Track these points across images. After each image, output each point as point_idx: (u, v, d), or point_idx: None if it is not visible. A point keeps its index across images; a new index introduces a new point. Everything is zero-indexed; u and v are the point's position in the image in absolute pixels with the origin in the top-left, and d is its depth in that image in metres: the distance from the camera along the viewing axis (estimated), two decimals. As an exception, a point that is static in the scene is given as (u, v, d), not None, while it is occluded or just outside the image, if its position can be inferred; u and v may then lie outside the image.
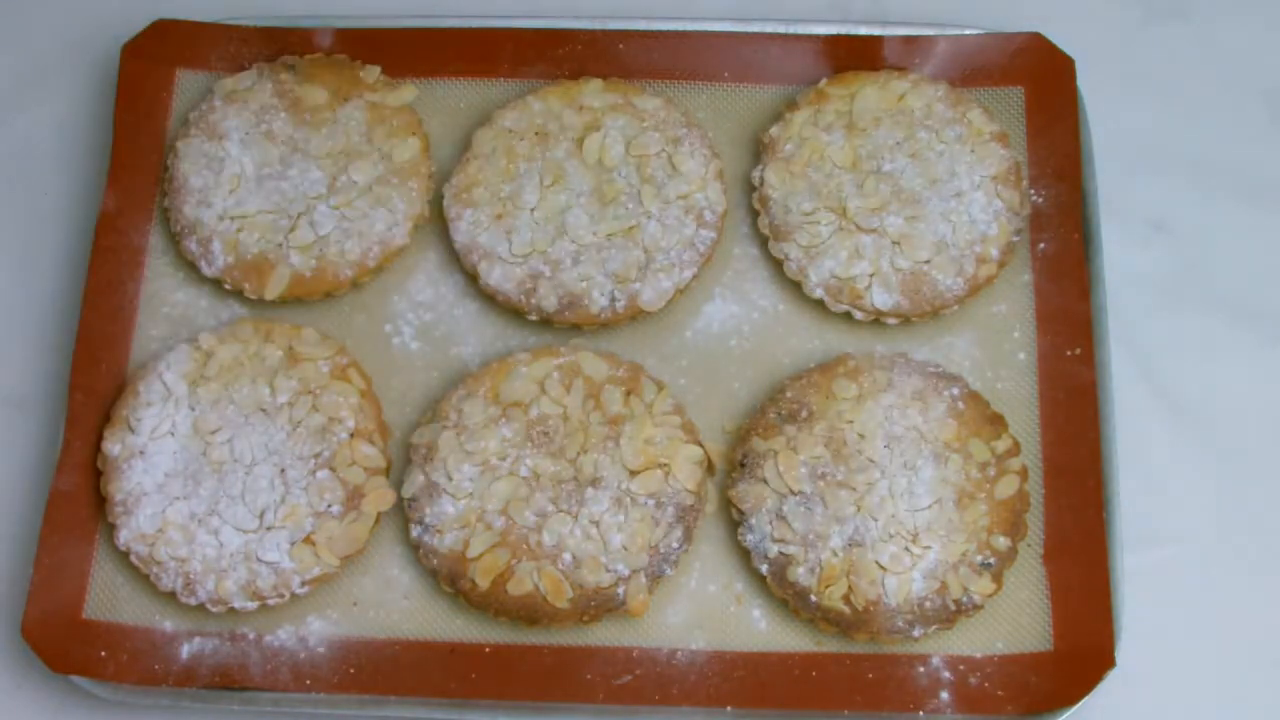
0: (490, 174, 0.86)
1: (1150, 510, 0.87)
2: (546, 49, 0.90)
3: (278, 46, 0.90)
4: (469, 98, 0.91)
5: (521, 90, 0.90)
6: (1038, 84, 0.90)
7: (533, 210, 0.86)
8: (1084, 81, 0.96)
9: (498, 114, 0.88)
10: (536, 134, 0.87)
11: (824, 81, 0.89)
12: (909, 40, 0.88)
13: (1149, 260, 0.93)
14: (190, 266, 0.88)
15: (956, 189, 0.86)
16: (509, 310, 0.86)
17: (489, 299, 0.86)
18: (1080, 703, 0.79)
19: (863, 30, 0.90)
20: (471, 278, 0.86)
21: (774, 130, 0.88)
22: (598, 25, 0.90)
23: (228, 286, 0.86)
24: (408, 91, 0.89)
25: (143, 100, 0.90)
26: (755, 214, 0.87)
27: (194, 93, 0.91)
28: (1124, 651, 0.82)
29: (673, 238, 0.85)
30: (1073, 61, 0.88)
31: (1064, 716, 0.79)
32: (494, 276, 0.85)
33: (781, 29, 0.90)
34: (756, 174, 0.87)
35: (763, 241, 0.87)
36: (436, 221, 0.88)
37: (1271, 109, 0.96)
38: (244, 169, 0.86)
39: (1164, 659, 0.84)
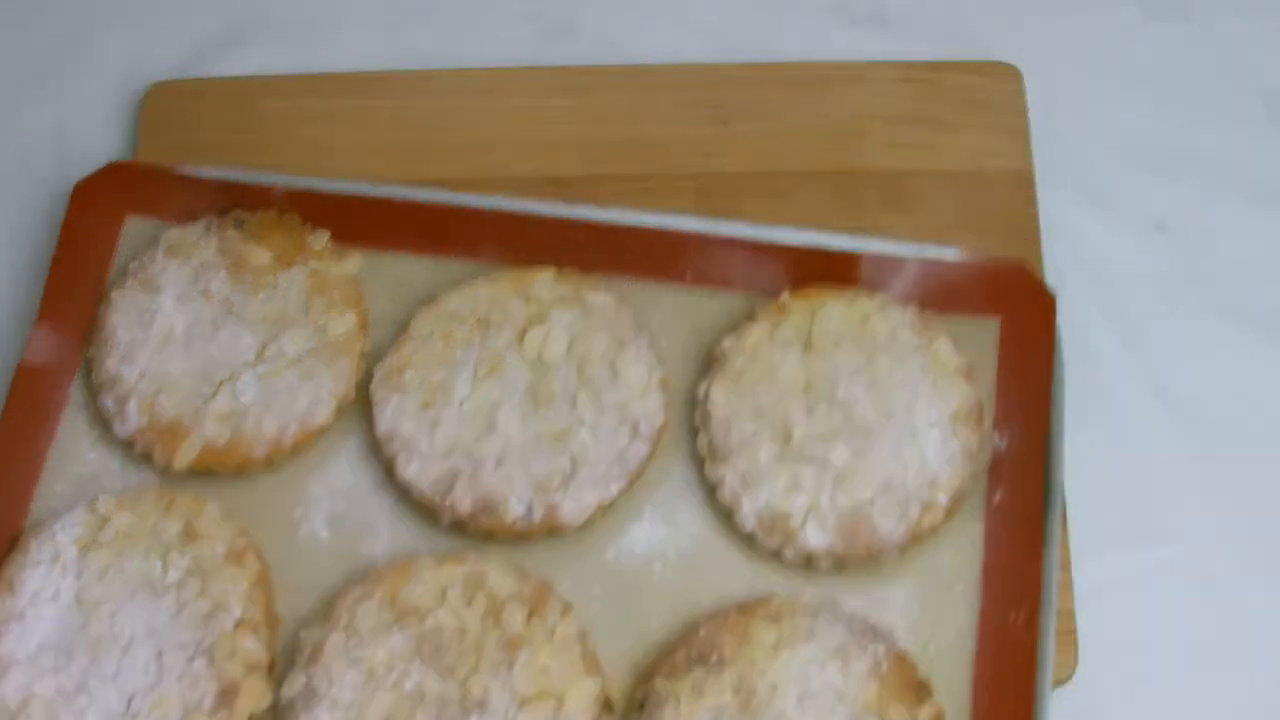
0: (425, 359, 0.82)
1: (1149, 511, 0.86)
2: (503, 232, 0.85)
3: (233, 199, 0.86)
4: (420, 274, 0.86)
5: (475, 272, 0.85)
6: (1016, 317, 0.83)
7: (463, 402, 0.81)
8: (1084, 81, 0.97)
9: (443, 295, 0.84)
10: (479, 321, 0.82)
11: (786, 294, 0.83)
12: (886, 260, 0.83)
13: (1149, 260, 0.93)
14: (105, 424, 0.83)
15: (912, 425, 0.79)
16: (424, 508, 0.81)
17: (405, 493, 0.81)
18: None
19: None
20: (389, 468, 0.81)
21: (727, 342, 0.82)
22: (559, 212, 0.84)
23: (138, 450, 0.82)
24: (353, 263, 0.85)
25: (87, 243, 0.86)
26: (697, 431, 0.81)
27: (141, 240, 0.87)
28: (1122, 651, 0.83)
29: (603, 448, 0.79)
30: (1054, 298, 0.81)
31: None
32: (411, 470, 0.80)
33: (751, 234, 0.83)
34: (703, 388, 0.81)
35: (701, 462, 0.81)
36: (364, 404, 0.83)
37: (1271, 109, 0.96)
38: (174, 327, 0.83)
39: (1164, 659, 0.84)
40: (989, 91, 0.94)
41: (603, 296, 0.84)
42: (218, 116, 0.95)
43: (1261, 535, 0.86)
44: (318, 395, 0.82)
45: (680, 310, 0.85)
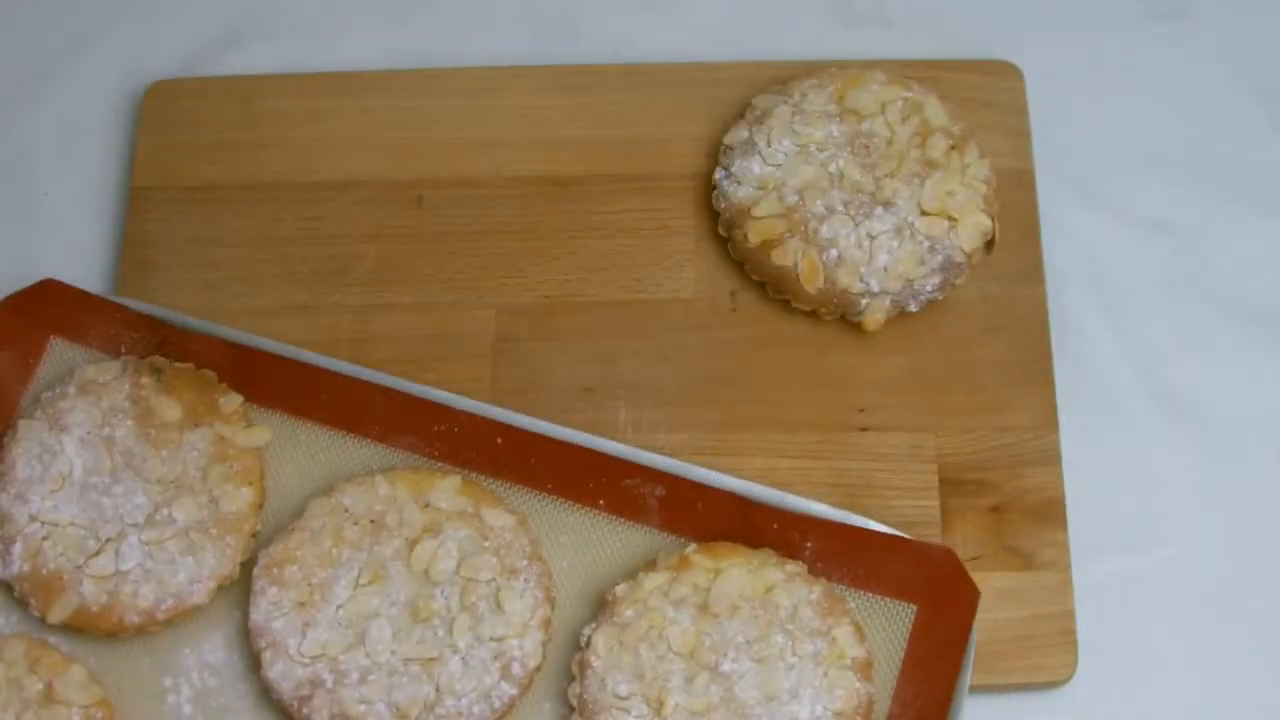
0: (310, 554, 0.79)
1: (1149, 511, 0.86)
2: (421, 420, 0.82)
3: (158, 339, 0.85)
4: (333, 450, 0.84)
5: (386, 459, 0.83)
6: (934, 608, 0.78)
7: (340, 607, 0.78)
8: (1084, 81, 0.97)
9: (341, 487, 0.81)
10: (372, 521, 0.80)
11: (693, 547, 0.79)
12: (807, 521, 0.78)
13: (1149, 260, 0.93)
14: None
15: (793, 714, 0.75)
16: (282, 710, 0.79)
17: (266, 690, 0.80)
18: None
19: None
20: (256, 662, 0.79)
21: (621, 589, 0.78)
22: (482, 411, 0.81)
23: (16, 595, 0.81)
24: (260, 434, 0.83)
25: (5, 361, 0.84)
26: (573, 677, 0.78)
27: (62, 366, 0.86)
28: (1121, 652, 0.83)
29: (470, 683, 0.77)
30: (978, 593, 0.77)
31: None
32: (275, 670, 0.77)
33: (672, 469, 0.80)
34: (586, 633, 0.78)
35: (571, 710, 0.77)
36: (247, 582, 0.80)
37: (1271, 109, 0.96)
38: (72, 471, 0.81)
39: (1164, 659, 0.84)
40: (989, 91, 0.94)
41: (503, 518, 0.80)
42: (218, 116, 0.95)
43: (1261, 535, 0.86)
44: (198, 573, 0.80)
45: (587, 537, 0.82)
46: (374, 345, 0.89)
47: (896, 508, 0.84)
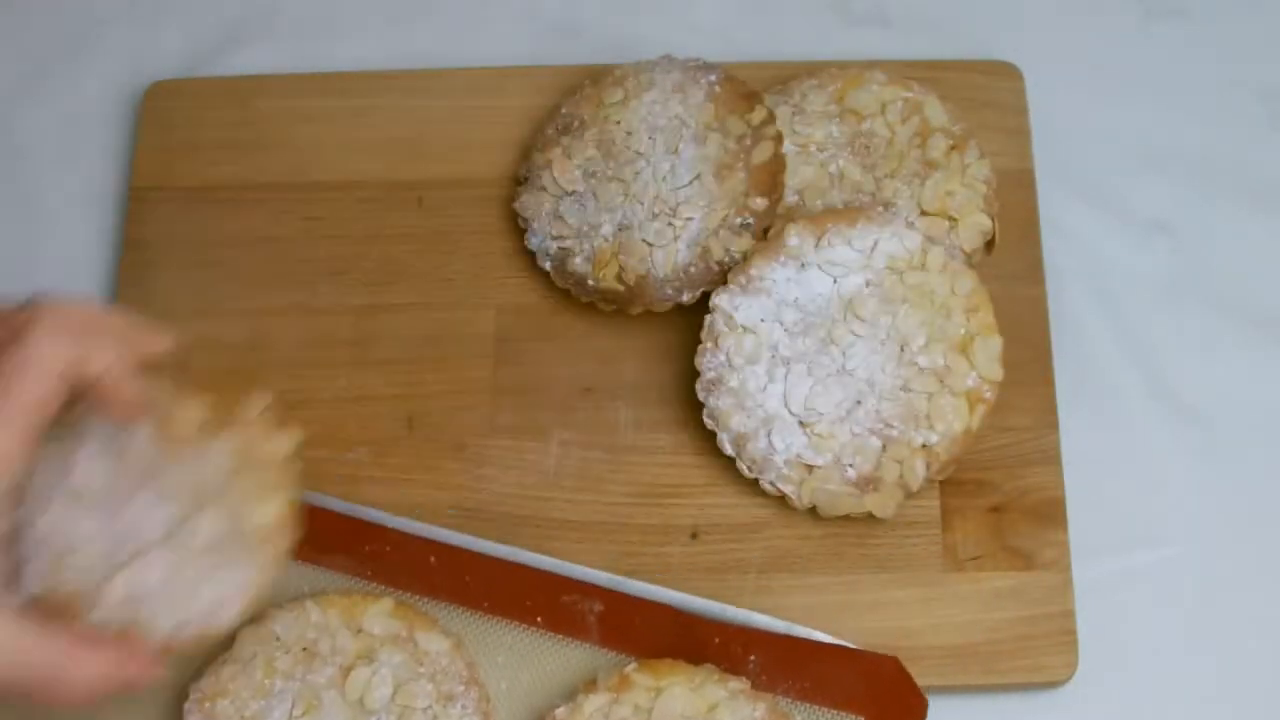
0: (242, 686, 0.78)
1: (1149, 511, 0.86)
2: (352, 540, 0.80)
3: None
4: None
5: (317, 580, 0.81)
6: (882, 719, 0.77)
7: None
8: (1084, 81, 0.97)
9: (271, 613, 0.79)
10: (304, 649, 0.78)
11: (632, 665, 0.77)
12: (749, 634, 0.78)
13: (1149, 260, 0.93)
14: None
15: None
16: None
17: None
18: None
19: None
20: None
21: (560, 713, 0.76)
22: (413, 529, 0.80)
23: (33, 616, 0.75)
24: (288, 439, 0.77)
25: None
26: None
27: None
28: (1122, 651, 0.83)
29: None
30: (926, 702, 0.76)
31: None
32: None
33: (608, 583, 0.79)
34: None
35: None
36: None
37: (1271, 109, 0.96)
38: (89, 484, 0.76)
39: (1164, 659, 0.84)
40: (989, 91, 0.94)
41: (438, 642, 0.79)
42: (218, 116, 0.95)
43: (1261, 535, 0.86)
44: (222, 595, 0.75)
45: (525, 656, 0.80)
46: (374, 345, 0.89)
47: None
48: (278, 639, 0.79)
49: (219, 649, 0.79)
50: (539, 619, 0.80)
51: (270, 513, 0.76)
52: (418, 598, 0.81)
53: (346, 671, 0.78)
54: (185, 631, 0.75)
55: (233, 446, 0.77)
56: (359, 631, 0.79)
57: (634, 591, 0.79)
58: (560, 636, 0.80)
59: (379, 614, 0.79)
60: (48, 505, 0.77)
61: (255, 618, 0.79)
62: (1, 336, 0.68)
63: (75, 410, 0.79)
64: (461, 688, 0.78)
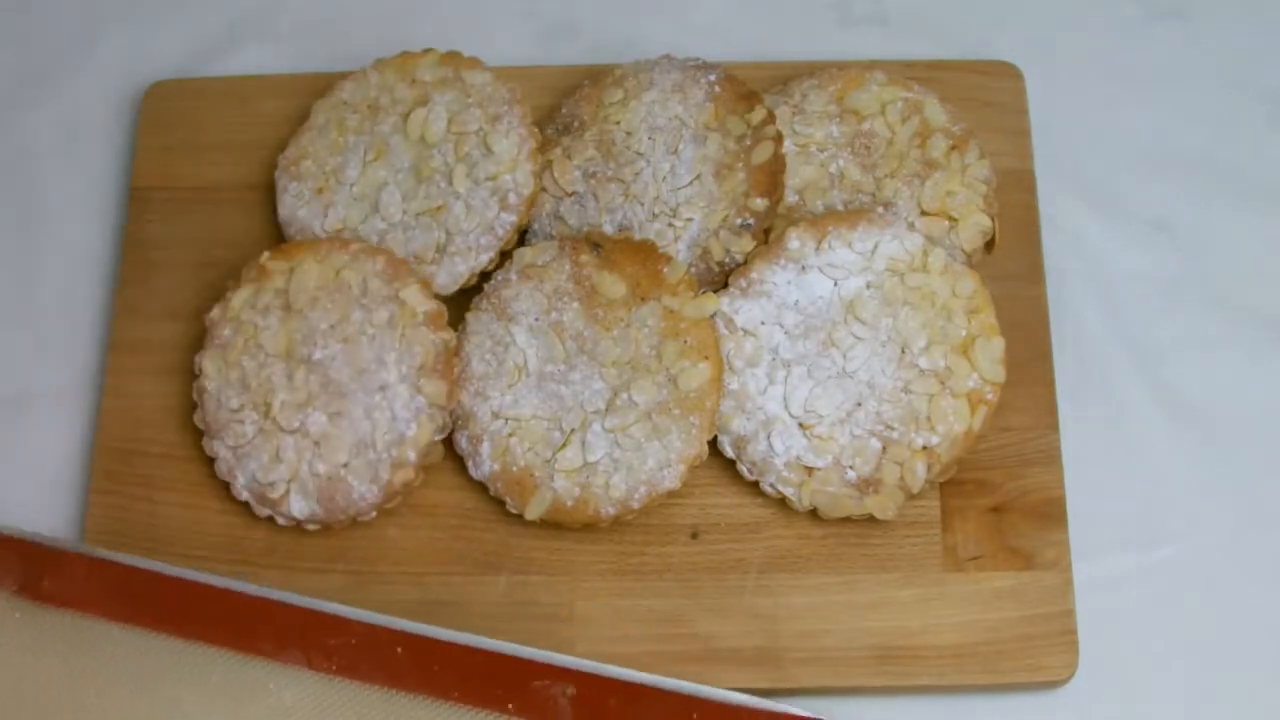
0: (320, 147, 0.89)
1: (1149, 511, 0.86)
2: (315, 634, 0.79)
3: (34, 568, 0.80)
4: (225, 673, 0.78)
5: (281, 676, 0.78)
6: None
7: (353, 186, 0.87)
8: (1084, 81, 0.97)
9: (337, 85, 0.90)
10: (369, 107, 0.89)
11: (266, 255, 0.85)
12: (725, 709, 0.76)
13: (1149, 260, 0.93)
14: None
15: (382, 381, 0.81)
16: None
17: None
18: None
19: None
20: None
21: (214, 313, 0.84)
22: (378, 621, 0.79)
23: (492, 494, 0.82)
24: (710, 302, 0.82)
25: None
26: (194, 407, 0.84)
27: None
28: (1121, 652, 0.83)
29: (474, 220, 0.85)
30: None
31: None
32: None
33: (580, 667, 0.77)
34: (197, 362, 0.84)
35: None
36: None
37: (1271, 109, 0.96)
38: (527, 362, 0.82)
39: (1164, 659, 0.84)
40: (989, 91, 0.94)
41: (481, 74, 0.88)
42: (218, 116, 0.95)
43: (1261, 535, 0.86)
44: (666, 458, 0.80)
45: None
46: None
47: (897, 508, 0.84)
48: (345, 103, 0.90)
49: (297, 121, 0.91)
50: (510, 705, 0.78)
51: (701, 375, 0.80)
52: (386, 690, 0.78)
53: (406, 116, 0.88)
54: (637, 495, 0.80)
55: (657, 314, 0.82)
56: (414, 82, 0.89)
57: (607, 674, 0.78)
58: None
59: (429, 63, 0.89)
60: (490, 387, 0.82)
61: (322, 90, 0.91)
62: None
63: (504, 289, 0.84)
64: (506, 108, 0.87)
